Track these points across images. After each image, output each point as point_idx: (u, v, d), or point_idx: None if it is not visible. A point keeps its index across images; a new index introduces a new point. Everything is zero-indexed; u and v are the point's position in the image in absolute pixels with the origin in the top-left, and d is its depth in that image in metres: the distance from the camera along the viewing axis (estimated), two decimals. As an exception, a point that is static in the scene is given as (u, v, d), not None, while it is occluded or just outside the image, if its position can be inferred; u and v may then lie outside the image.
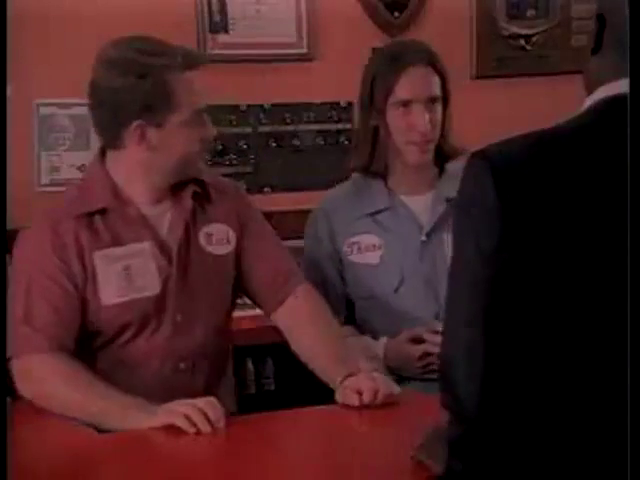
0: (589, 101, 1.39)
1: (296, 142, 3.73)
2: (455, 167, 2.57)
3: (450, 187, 2.53)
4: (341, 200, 2.56)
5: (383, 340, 2.46)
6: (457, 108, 3.69)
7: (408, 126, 2.46)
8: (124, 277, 2.22)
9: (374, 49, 2.56)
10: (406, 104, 2.45)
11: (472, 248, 1.32)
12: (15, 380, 2.17)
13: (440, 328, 2.36)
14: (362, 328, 2.51)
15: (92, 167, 2.35)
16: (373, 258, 2.49)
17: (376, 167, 2.52)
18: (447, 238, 2.49)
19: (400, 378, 2.43)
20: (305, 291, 2.36)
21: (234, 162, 3.66)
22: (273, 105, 3.69)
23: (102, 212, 2.25)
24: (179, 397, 2.07)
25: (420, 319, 2.45)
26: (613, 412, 1.28)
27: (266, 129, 3.70)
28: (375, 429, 2.09)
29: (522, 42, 3.97)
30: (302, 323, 2.33)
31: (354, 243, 2.51)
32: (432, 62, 2.48)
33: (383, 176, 2.54)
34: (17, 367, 2.18)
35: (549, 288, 1.28)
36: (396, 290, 2.48)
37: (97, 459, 1.94)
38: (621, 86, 1.35)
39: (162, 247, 2.27)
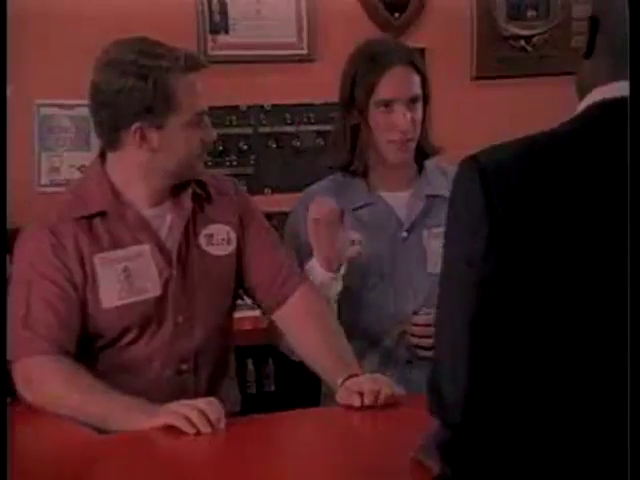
0: (583, 104, 1.38)
1: (296, 143, 3.73)
2: (434, 165, 2.59)
3: (429, 184, 2.56)
4: (321, 197, 2.56)
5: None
6: (457, 108, 3.72)
7: (390, 125, 2.47)
8: (124, 280, 2.22)
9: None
10: (388, 104, 2.47)
11: (460, 253, 1.32)
12: (16, 383, 2.17)
13: (419, 321, 2.43)
14: (341, 322, 2.50)
15: (91, 169, 2.34)
16: (352, 253, 2.49)
17: (357, 166, 2.53)
18: (426, 235, 2.51)
19: None
20: (306, 291, 2.36)
21: (234, 163, 3.66)
22: (273, 106, 3.69)
23: (101, 215, 2.25)
24: (182, 398, 2.06)
25: (398, 315, 2.46)
26: (599, 418, 1.28)
27: (266, 130, 3.70)
28: (376, 430, 2.09)
29: (522, 43, 3.97)
30: (302, 324, 2.32)
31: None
32: (412, 61, 2.49)
33: (363, 174, 2.55)
34: (17, 370, 2.17)
35: (536, 295, 1.27)
36: (375, 285, 2.49)
37: (97, 459, 1.94)
38: (615, 89, 1.34)
39: (162, 249, 2.27)
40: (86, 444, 2.00)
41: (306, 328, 2.32)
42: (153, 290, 2.24)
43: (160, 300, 2.25)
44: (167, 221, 2.29)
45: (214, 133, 2.29)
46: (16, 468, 1.68)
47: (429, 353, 2.41)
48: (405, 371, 2.47)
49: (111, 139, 2.23)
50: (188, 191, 2.31)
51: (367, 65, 2.48)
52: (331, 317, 2.34)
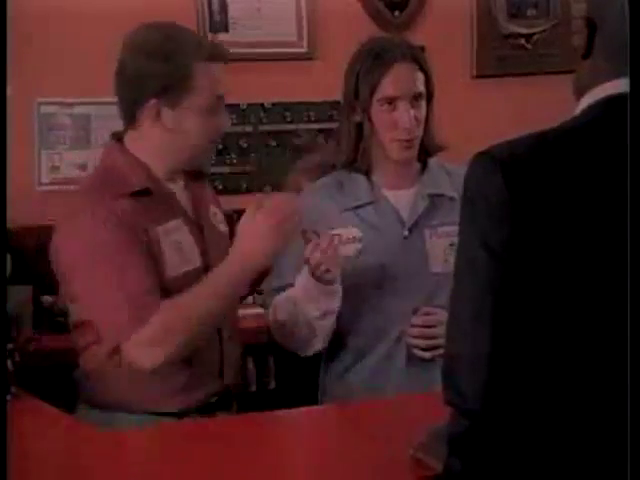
0: (584, 103, 1.39)
1: (297, 141, 3.73)
2: (438, 163, 2.58)
3: (433, 183, 2.55)
4: (323, 194, 2.56)
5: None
6: (457, 108, 3.72)
7: (393, 123, 2.46)
8: (175, 251, 2.25)
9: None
10: (391, 101, 2.46)
11: (480, 245, 1.32)
12: (133, 361, 2.15)
13: (418, 322, 2.43)
14: (341, 321, 2.50)
15: (112, 152, 2.35)
16: (353, 251, 2.49)
17: (361, 163, 2.53)
18: (428, 234, 2.51)
19: None
20: None
21: (235, 161, 3.67)
22: (274, 104, 3.70)
23: (139, 193, 2.26)
24: (226, 363, 2.30)
25: (398, 314, 2.46)
26: (617, 412, 1.28)
27: (267, 128, 3.71)
28: (375, 428, 2.09)
29: (522, 41, 3.98)
30: None
31: (335, 236, 2.50)
32: (416, 59, 2.49)
33: (366, 171, 2.55)
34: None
35: (555, 284, 1.28)
36: (375, 284, 2.48)
37: (97, 457, 1.94)
38: (618, 85, 1.35)
39: (191, 223, 2.32)
40: (86, 442, 2.01)
41: None
42: (196, 261, 2.29)
43: (203, 271, 2.27)
44: (189, 197, 2.35)
45: (229, 121, 2.35)
46: (16, 466, 1.68)
47: (427, 354, 2.41)
48: (404, 371, 2.47)
49: (130, 116, 2.28)
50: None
51: (371, 62, 2.47)
52: None
